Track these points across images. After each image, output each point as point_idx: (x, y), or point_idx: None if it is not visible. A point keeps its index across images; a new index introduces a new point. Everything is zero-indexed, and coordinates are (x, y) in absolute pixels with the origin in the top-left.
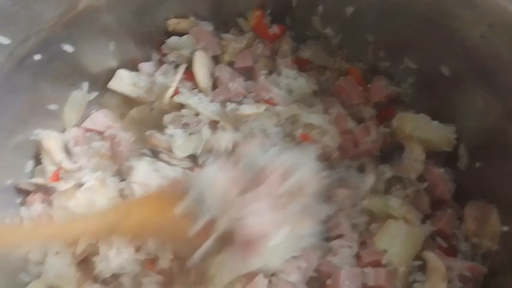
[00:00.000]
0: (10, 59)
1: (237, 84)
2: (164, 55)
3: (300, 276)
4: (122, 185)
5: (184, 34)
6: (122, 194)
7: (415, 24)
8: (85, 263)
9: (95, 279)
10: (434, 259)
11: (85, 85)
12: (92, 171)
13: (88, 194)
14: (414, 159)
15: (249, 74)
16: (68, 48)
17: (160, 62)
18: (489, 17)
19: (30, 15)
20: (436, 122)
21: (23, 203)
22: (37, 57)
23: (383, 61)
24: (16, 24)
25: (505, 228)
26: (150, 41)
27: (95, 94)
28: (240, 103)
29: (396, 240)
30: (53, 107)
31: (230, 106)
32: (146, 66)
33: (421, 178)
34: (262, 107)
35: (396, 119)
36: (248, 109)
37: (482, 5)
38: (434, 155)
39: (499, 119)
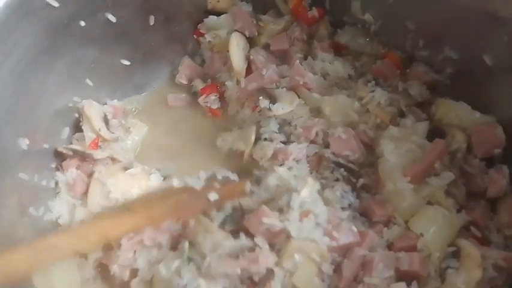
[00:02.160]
0: (58, 22)
1: (270, 71)
2: (201, 35)
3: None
4: (163, 184)
5: (222, 14)
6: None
7: (459, 12)
8: None
9: None
10: (468, 246)
11: (125, 61)
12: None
13: (129, 180)
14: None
15: (283, 57)
16: (111, 17)
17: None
18: None
19: None
20: (478, 113)
21: (57, 168)
22: (82, 23)
23: (421, 50)
24: None
25: None
26: (188, 19)
27: None
28: (273, 91)
29: (432, 225)
30: (88, 81)
31: (263, 103)
32: None
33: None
34: (295, 102)
35: (436, 105)
36: (281, 109)
37: None
38: None
39: None
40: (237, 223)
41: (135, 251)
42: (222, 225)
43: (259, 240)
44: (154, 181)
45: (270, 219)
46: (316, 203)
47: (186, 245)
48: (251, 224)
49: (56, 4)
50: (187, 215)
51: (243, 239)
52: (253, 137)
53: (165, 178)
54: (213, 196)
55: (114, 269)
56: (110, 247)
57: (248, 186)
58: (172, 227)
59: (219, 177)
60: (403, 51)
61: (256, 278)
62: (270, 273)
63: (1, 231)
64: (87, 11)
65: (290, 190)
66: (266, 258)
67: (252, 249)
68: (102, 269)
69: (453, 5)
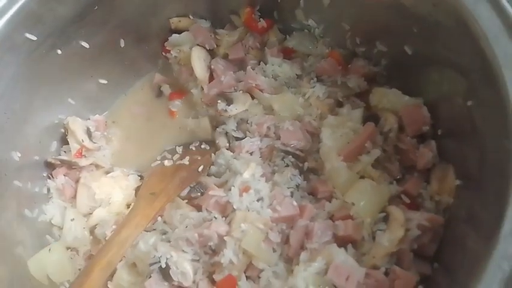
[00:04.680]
0: (37, 53)
1: (228, 77)
2: (168, 51)
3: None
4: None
5: (184, 31)
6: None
7: (380, 10)
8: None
9: None
10: (395, 211)
11: (102, 81)
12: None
13: (110, 182)
14: (388, 128)
15: (241, 64)
16: (85, 44)
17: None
18: None
19: (53, 15)
20: (407, 97)
21: (48, 176)
22: (59, 51)
23: (359, 46)
24: (42, 23)
25: (458, 182)
26: (155, 39)
27: None
28: (230, 94)
29: (364, 196)
30: (71, 100)
31: (221, 106)
32: None
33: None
34: (248, 102)
35: (372, 93)
36: (235, 110)
37: None
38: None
39: (454, 90)
40: (200, 192)
41: None
42: (189, 193)
43: (214, 213)
44: (132, 180)
45: (216, 191)
46: (258, 182)
47: (159, 219)
48: (204, 200)
49: (34, 38)
50: (187, 185)
51: (205, 212)
52: (209, 126)
53: (141, 177)
54: (200, 168)
55: None
56: (97, 241)
57: (213, 156)
58: None
59: (192, 147)
60: (345, 49)
61: (213, 247)
62: (223, 242)
63: (1, 230)
64: (62, 41)
65: (236, 173)
66: (217, 225)
67: (210, 220)
68: None
69: (371, 5)
